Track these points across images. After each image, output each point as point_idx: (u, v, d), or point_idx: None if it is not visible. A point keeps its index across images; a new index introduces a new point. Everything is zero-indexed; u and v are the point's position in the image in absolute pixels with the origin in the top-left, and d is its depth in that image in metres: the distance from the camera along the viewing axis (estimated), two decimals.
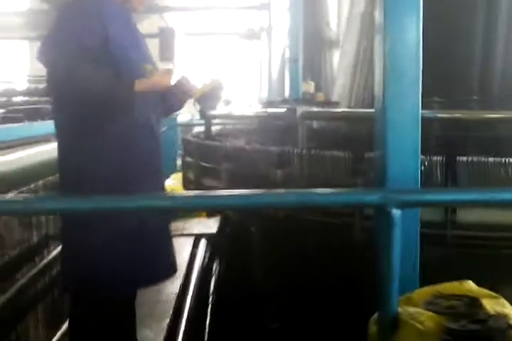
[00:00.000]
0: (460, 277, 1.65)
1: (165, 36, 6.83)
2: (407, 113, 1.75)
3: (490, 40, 2.57)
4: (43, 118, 3.75)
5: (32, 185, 2.81)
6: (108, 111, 1.99)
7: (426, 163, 1.93)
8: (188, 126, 5.22)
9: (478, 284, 1.41)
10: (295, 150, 2.23)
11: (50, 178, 2.99)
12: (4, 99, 5.90)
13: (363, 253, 2.12)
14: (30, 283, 2.57)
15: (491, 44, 2.56)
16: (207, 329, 2.88)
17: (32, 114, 3.92)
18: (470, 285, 1.33)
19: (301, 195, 1.25)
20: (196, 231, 4.25)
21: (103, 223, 1.94)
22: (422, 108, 1.76)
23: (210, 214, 4.33)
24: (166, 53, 7.57)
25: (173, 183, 4.52)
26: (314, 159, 2.19)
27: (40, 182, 2.96)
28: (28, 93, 7.76)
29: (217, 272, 3.75)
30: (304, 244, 2.40)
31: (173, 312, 3.07)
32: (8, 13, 8.95)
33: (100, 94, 1.93)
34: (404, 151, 1.77)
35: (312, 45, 7.58)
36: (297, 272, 2.53)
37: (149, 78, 2.07)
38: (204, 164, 2.71)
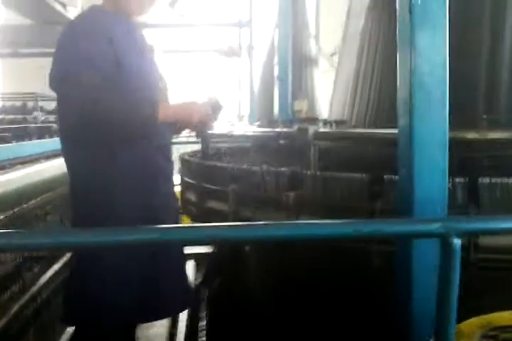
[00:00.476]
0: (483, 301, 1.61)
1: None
2: (435, 133, 1.71)
3: (495, 55, 2.58)
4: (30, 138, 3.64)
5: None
6: (131, 137, 1.92)
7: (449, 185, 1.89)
8: (182, 144, 5.13)
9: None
10: (308, 172, 2.17)
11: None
12: None
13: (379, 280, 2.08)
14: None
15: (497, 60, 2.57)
16: None
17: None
18: None
19: (350, 224, 1.19)
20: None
21: (110, 256, 1.89)
22: None
23: None
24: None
25: None
26: (329, 181, 2.13)
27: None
28: (3, 111, 7.57)
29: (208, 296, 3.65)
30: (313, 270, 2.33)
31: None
32: None
33: (126, 123, 1.86)
34: (432, 173, 1.73)
35: (293, 63, 7.63)
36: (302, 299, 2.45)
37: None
38: (208, 185, 2.63)
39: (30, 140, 3.70)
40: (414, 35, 1.69)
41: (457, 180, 1.91)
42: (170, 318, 3.30)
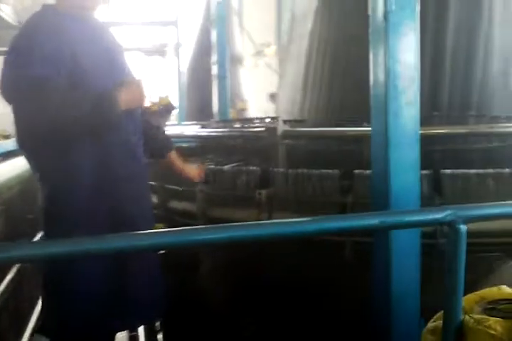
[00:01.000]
0: None
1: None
2: (408, 130, 1.84)
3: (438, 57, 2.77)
4: None
5: None
6: (92, 133, 1.90)
7: None
8: None
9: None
10: (280, 170, 2.25)
11: None
12: None
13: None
14: None
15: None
16: None
17: None
18: (507, 290, 1.43)
19: (360, 217, 1.28)
20: None
21: (80, 267, 1.88)
22: None
23: None
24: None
25: None
26: (300, 178, 2.22)
27: None
28: None
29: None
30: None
31: None
32: None
33: (86, 119, 1.83)
34: (406, 167, 1.86)
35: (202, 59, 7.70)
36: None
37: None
38: (173, 187, 2.65)
39: None
40: (389, 40, 1.81)
41: (422, 172, 2.05)
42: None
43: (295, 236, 1.23)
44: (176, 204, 2.65)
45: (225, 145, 2.77)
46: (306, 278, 2.27)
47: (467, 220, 1.22)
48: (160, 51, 8.81)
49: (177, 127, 4.46)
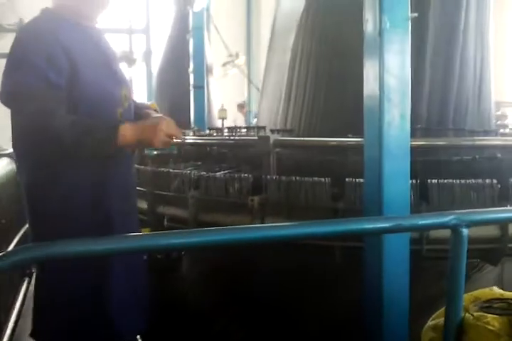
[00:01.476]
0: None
1: None
2: (401, 141, 1.96)
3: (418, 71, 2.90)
4: None
5: None
6: (85, 156, 1.86)
7: None
8: None
9: None
10: (274, 177, 2.34)
11: None
12: None
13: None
14: None
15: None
16: None
17: None
18: (498, 290, 1.55)
19: (370, 221, 1.38)
20: None
21: (78, 272, 1.88)
22: None
23: None
24: None
25: None
26: (293, 185, 2.31)
27: None
28: None
29: None
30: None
31: None
32: None
33: (79, 144, 1.78)
34: (397, 176, 1.98)
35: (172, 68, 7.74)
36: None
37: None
38: (163, 193, 2.69)
39: None
40: (383, 55, 1.92)
41: (411, 181, 2.17)
42: None
43: (313, 237, 1.31)
44: (166, 210, 2.69)
45: (217, 152, 2.84)
46: (297, 281, 2.36)
47: (469, 224, 1.33)
48: (128, 59, 8.80)
49: None
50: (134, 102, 2.21)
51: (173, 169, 2.71)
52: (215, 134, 3.34)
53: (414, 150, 2.07)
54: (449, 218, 1.33)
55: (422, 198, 2.20)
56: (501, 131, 3.37)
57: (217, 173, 2.47)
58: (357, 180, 2.21)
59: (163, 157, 3.45)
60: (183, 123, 5.04)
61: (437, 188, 2.18)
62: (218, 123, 6.70)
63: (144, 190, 2.78)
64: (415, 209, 2.14)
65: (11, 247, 3.36)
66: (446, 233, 2.08)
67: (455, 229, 1.33)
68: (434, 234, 2.19)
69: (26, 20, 6.12)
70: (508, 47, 9.76)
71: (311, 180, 2.28)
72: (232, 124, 6.38)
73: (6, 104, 1.84)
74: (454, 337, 1.37)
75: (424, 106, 2.91)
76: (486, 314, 1.38)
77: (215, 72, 8.95)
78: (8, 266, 1.12)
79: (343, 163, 2.39)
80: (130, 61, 8.81)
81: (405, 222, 1.34)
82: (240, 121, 8.97)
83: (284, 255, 2.34)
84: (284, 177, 2.31)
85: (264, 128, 2.97)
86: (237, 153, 2.75)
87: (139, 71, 8.63)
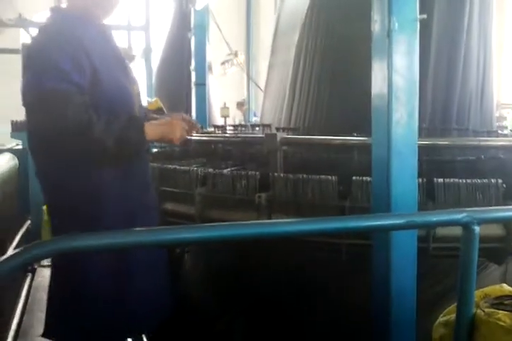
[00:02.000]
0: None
1: None
2: (409, 139, 1.98)
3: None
4: None
5: None
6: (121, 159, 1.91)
7: None
8: None
9: None
10: (281, 174, 2.36)
11: None
12: None
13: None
14: None
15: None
16: None
17: None
18: (508, 288, 1.58)
19: (387, 217, 1.40)
20: None
21: (86, 270, 1.89)
22: None
23: None
24: None
25: None
26: (300, 182, 2.33)
27: None
28: None
29: None
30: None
31: None
32: None
33: (117, 149, 1.80)
34: (405, 174, 2.00)
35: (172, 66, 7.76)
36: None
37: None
38: (170, 189, 2.71)
39: None
40: (392, 55, 1.95)
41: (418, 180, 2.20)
42: None
43: (325, 234, 1.33)
44: (173, 207, 2.71)
45: (222, 149, 2.86)
46: (303, 279, 2.38)
47: (481, 222, 1.36)
48: (127, 55, 8.80)
49: None
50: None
51: (180, 166, 2.72)
52: (219, 132, 3.35)
53: (419, 149, 2.10)
54: (461, 215, 1.35)
55: (429, 197, 2.23)
56: (499, 132, 3.41)
57: (224, 170, 2.49)
58: (363, 178, 2.23)
59: (164, 154, 3.47)
60: None
61: (443, 187, 2.21)
62: (218, 121, 6.75)
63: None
64: (422, 207, 2.16)
65: (14, 242, 3.38)
66: (452, 231, 2.16)
67: (467, 226, 1.35)
68: (441, 231, 2.22)
69: (25, 15, 6.09)
70: (505, 48, 9.83)
71: (318, 177, 2.30)
72: (231, 122, 6.41)
73: (32, 106, 1.83)
74: (466, 332, 1.40)
75: (429, 106, 2.94)
76: (497, 310, 1.41)
77: (215, 70, 8.96)
78: (31, 259, 1.14)
79: (349, 161, 2.41)
80: (129, 57, 8.82)
81: (418, 219, 1.36)
82: (239, 119, 9.00)
83: (290, 253, 2.38)
84: (291, 175, 2.33)
85: (269, 126, 3.00)
86: (243, 150, 2.77)
87: (139, 68, 8.62)
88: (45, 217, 4.25)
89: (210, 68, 8.83)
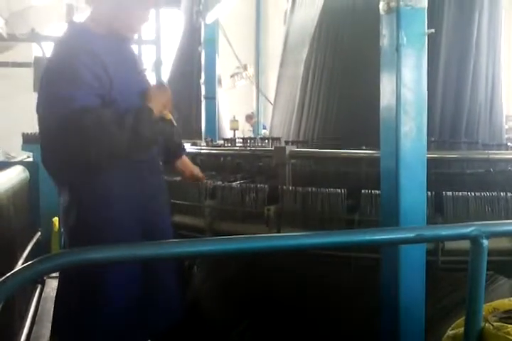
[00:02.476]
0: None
1: None
2: (417, 153, 1.99)
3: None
4: None
5: None
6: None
7: None
8: None
9: None
10: (290, 187, 2.37)
11: None
12: None
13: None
14: None
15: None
16: None
17: None
18: None
19: (395, 231, 1.40)
20: None
21: (93, 277, 1.92)
22: None
23: None
24: None
25: None
26: (309, 195, 2.34)
27: None
28: None
29: None
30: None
31: None
32: None
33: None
34: (414, 187, 2.01)
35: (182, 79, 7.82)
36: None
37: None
38: (179, 202, 2.72)
39: None
40: (401, 70, 1.97)
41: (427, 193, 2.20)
42: None
43: (335, 247, 1.34)
44: (182, 219, 2.72)
45: (231, 162, 2.88)
46: (314, 292, 2.37)
47: (489, 235, 1.36)
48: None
49: None
50: None
51: None
52: (228, 145, 3.39)
53: (428, 162, 2.10)
54: (469, 229, 1.35)
55: (438, 210, 2.23)
56: (509, 144, 3.41)
57: (233, 183, 2.51)
58: (372, 191, 2.24)
59: None
60: (194, 133, 5.12)
61: (452, 200, 2.21)
62: (227, 134, 6.80)
63: None
64: (431, 220, 2.16)
65: (25, 254, 3.40)
66: (461, 244, 2.15)
67: (476, 239, 1.35)
68: (449, 245, 2.22)
69: (38, 30, 6.17)
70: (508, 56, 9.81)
71: (327, 190, 2.31)
72: (240, 135, 6.45)
73: (44, 125, 1.95)
74: None
75: (437, 119, 2.95)
76: (506, 324, 1.40)
77: (224, 83, 9.03)
78: (40, 273, 1.15)
79: (358, 175, 2.42)
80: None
81: (426, 233, 1.37)
82: (248, 132, 9.05)
83: (299, 265, 2.38)
84: (300, 188, 2.34)
85: (278, 139, 3.02)
86: (252, 163, 2.79)
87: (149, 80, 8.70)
88: (55, 228, 4.29)
89: (219, 81, 8.91)
